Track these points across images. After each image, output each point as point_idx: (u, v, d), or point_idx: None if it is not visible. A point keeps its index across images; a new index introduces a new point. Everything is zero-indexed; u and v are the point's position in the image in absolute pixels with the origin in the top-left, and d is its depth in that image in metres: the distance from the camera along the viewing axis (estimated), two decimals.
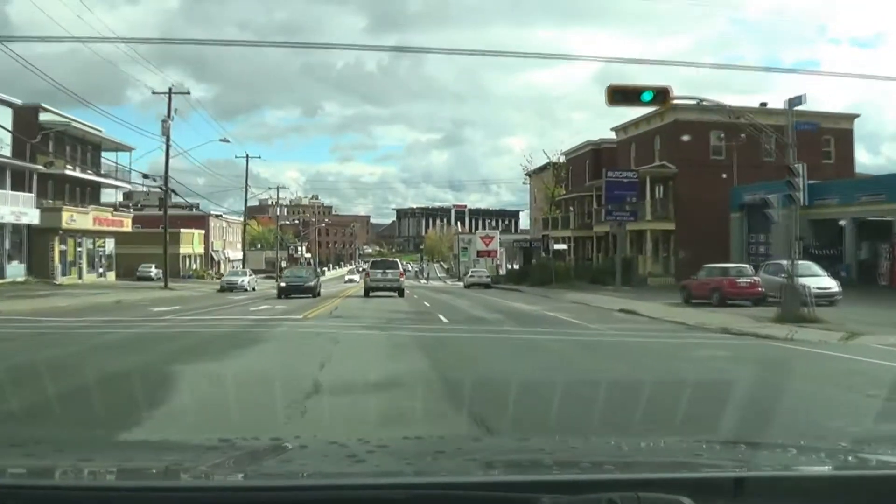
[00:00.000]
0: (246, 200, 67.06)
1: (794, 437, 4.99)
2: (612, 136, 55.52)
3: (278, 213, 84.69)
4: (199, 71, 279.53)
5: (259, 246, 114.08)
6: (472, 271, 56.87)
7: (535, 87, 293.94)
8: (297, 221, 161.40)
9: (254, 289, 49.55)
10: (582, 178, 58.89)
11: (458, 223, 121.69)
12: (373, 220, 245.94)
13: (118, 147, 56.20)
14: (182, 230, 71.23)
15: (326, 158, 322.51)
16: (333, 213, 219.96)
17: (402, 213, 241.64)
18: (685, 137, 46.03)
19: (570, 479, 2.06)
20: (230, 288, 47.29)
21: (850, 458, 2.59)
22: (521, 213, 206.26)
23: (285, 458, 2.39)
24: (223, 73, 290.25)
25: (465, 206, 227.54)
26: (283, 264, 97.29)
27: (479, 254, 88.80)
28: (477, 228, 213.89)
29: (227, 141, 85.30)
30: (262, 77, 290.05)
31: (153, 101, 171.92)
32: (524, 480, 2.07)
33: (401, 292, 35.64)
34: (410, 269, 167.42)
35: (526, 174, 76.40)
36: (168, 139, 46.31)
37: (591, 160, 57.28)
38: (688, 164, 46.09)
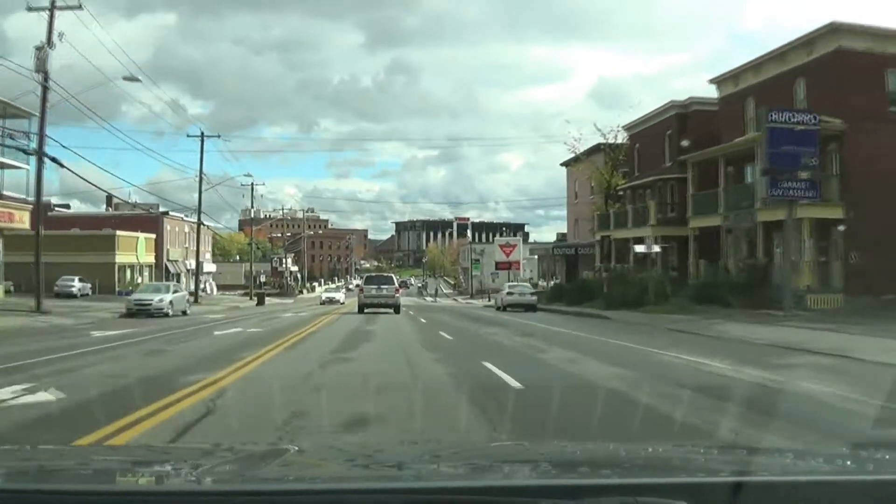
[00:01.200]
0: (200, 193, 49.08)
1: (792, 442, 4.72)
2: (709, 93, 37.87)
3: (252, 213, 66.50)
4: (195, 87, 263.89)
5: (238, 258, 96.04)
6: (508, 287, 38.44)
7: (531, 103, 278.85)
8: (288, 234, 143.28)
9: (184, 312, 31.51)
10: (658, 157, 41.01)
11: (469, 233, 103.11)
12: (371, 236, 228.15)
13: (6, 110, 38.25)
14: (119, 233, 53.14)
15: (323, 174, 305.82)
16: (330, 226, 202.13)
17: (401, 227, 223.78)
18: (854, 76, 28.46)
19: (568, 484, 1.97)
20: (143, 310, 29.21)
21: (848, 462, 2.48)
22: (526, 226, 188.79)
23: (284, 462, 2.29)
24: (218, 90, 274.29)
25: (468, 219, 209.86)
26: (262, 279, 79.27)
27: (499, 266, 70.94)
28: (480, 242, 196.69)
29: (137, 80, 66.54)
30: (257, 93, 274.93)
31: (150, 117, 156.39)
32: (523, 485, 1.99)
33: (397, 309, 31.85)
34: (413, 283, 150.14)
35: (563, 164, 58.66)
36: (46, 76, 28.48)
37: (676, 130, 39.42)
38: (860, 118, 28.35)
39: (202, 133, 49.57)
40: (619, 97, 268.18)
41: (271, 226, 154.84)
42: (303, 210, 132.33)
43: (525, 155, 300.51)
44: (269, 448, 2.66)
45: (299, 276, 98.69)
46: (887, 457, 2.52)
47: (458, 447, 3.16)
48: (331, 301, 52.27)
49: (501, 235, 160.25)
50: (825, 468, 2.37)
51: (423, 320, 24.99)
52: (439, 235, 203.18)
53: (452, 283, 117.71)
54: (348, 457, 2.47)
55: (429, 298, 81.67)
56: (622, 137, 46.76)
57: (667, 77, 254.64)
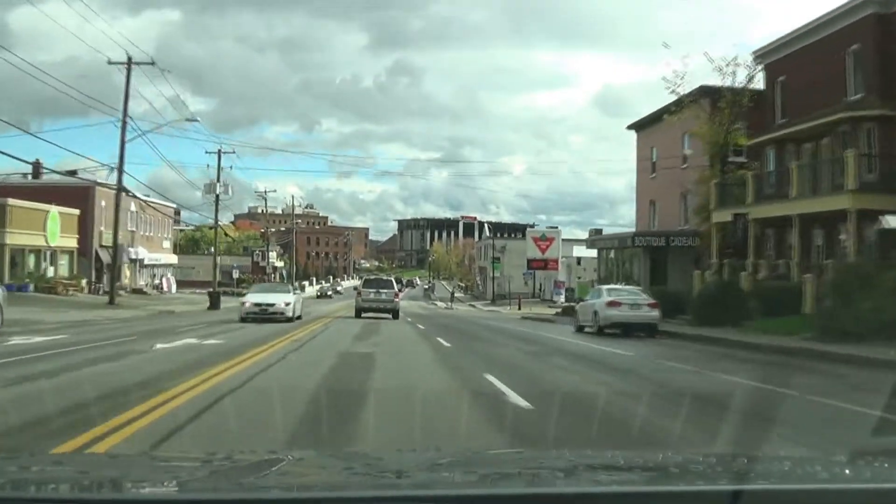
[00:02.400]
0: (123, 143, 32.80)
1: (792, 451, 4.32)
2: None
3: (219, 188, 49.99)
4: (197, 84, 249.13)
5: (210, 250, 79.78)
6: (608, 293, 20.15)
7: (534, 108, 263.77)
8: (282, 229, 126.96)
9: None
10: (830, 89, 24.85)
11: (487, 230, 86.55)
12: (372, 237, 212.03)
13: None
14: (13, 202, 36.84)
15: (325, 175, 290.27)
16: (330, 223, 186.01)
17: (404, 225, 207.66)
18: None
19: (567, 492, 1.92)
20: None
21: (846, 470, 2.41)
22: (536, 226, 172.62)
23: (282, 470, 2.20)
24: (221, 88, 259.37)
25: (475, 218, 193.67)
26: (235, 274, 63.22)
27: (532, 265, 54.86)
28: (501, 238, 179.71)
29: None
30: (260, 92, 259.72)
31: (150, 113, 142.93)
32: (522, 493, 1.93)
33: (395, 314, 28.71)
34: (418, 283, 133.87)
35: (631, 126, 42.58)
36: None
37: (872, 41, 23.42)
38: None
39: (129, 59, 33.38)
40: (623, 104, 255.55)
41: (268, 222, 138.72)
42: (303, 207, 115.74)
43: (528, 159, 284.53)
44: (268, 456, 2.40)
45: (284, 272, 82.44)
46: (886, 465, 2.39)
47: (458, 456, 2.90)
48: (264, 311, 23.30)
49: (510, 236, 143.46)
50: (824, 476, 2.30)
51: (519, 401, 8.18)
52: (444, 235, 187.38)
53: (464, 285, 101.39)
54: (347, 465, 2.38)
55: (441, 304, 65.46)
56: (743, 76, 30.67)
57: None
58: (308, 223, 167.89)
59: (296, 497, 1.88)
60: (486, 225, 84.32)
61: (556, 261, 54.23)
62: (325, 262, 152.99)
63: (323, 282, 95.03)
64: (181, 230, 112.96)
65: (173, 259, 60.95)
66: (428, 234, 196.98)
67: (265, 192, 68.52)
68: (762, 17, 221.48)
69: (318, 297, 72.35)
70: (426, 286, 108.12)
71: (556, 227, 59.05)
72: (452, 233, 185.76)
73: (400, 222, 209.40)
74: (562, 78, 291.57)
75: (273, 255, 76.02)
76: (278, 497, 1.87)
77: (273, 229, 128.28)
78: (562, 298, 54.53)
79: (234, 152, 50.90)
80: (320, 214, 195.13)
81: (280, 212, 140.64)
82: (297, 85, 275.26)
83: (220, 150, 51.52)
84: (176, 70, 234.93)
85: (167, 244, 59.41)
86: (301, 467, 2.39)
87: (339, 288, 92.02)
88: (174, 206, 57.81)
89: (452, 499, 1.80)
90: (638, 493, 1.87)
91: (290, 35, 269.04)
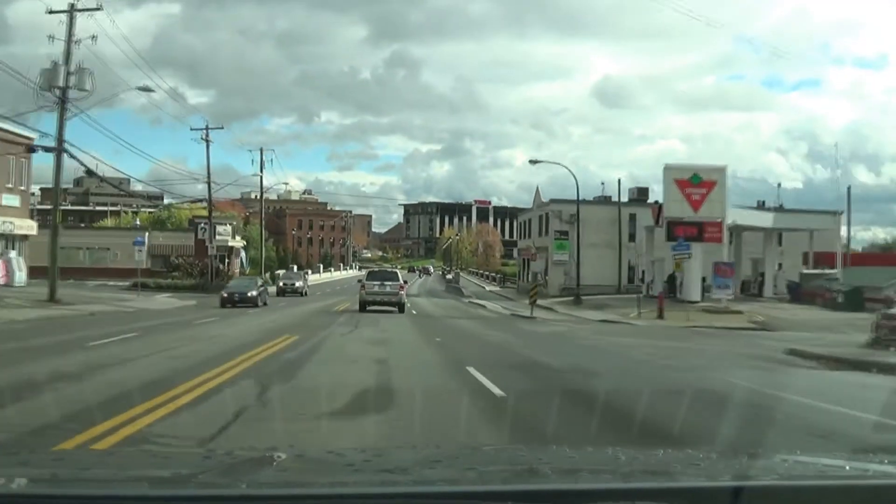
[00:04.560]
0: None
1: (793, 448, 4.30)
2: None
3: (63, 78, 24.16)
4: (194, 76, 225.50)
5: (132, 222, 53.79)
6: None
7: (534, 100, 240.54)
8: (270, 209, 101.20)
9: None
10: None
11: (539, 198, 60.07)
12: (374, 230, 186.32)
13: None
14: None
15: (325, 167, 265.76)
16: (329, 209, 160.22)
17: (410, 211, 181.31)
18: None
19: (566, 489, 1.91)
20: None
21: (847, 467, 2.33)
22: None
23: (282, 467, 2.20)
24: (221, 80, 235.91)
25: (490, 203, 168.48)
26: (139, 255, 37.31)
27: (678, 231, 28.62)
28: (504, 228, 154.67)
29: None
30: (260, 85, 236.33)
31: (150, 108, 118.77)
32: (521, 490, 1.88)
33: (401, 308, 27.78)
34: (432, 271, 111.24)
35: None
36: None
37: None
38: None
39: None
40: (623, 96, 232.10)
41: (263, 207, 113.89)
42: (261, 150, 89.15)
43: (528, 152, 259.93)
44: (269, 453, 2.36)
45: (244, 256, 56.31)
46: (887, 462, 2.30)
47: (458, 452, 2.86)
48: None
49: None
50: (825, 473, 2.24)
51: None
52: (455, 221, 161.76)
53: (494, 276, 75.19)
54: (347, 461, 2.27)
55: (489, 305, 39.48)
56: None
57: (672, 78, 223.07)
58: (305, 209, 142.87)
59: (296, 493, 1.82)
60: (537, 188, 57.74)
61: (718, 225, 28.23)
62: (320, 248, 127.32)
63: (319, 271, 55.94)
64: (149, 212, 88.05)
65: (26, 227, 34.39)
66: (437, 220, 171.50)
67: (207, 127, 42.69)
68: (761, 11, 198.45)
69: (221, 304, 30.22)
70: (448, 276, 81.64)
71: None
72: (465, 218, 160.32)
73: (406, 207, 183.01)
74: (562, 69, 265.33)
75: (227, 228, 49.92)
76: (279, 493, 1.82)
77: (258, 210, 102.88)
78: (727, 294, 28.64)
79: (99, 8, 24.96)
80: (319, 201, 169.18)
81: (276, 198, 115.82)
82: (296, 77, 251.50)
83: (71, 6, 25.76)
84: (171, 62, 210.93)
85: (13, 201, 33.10)
86: (301, 464, 2.33)
87: (298, 283, 47.40)
88: (28, 136, 31.88)
89: (452, 495, 1.74)
90: (638, 490, 1.81)
91: (290, 27, 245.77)
